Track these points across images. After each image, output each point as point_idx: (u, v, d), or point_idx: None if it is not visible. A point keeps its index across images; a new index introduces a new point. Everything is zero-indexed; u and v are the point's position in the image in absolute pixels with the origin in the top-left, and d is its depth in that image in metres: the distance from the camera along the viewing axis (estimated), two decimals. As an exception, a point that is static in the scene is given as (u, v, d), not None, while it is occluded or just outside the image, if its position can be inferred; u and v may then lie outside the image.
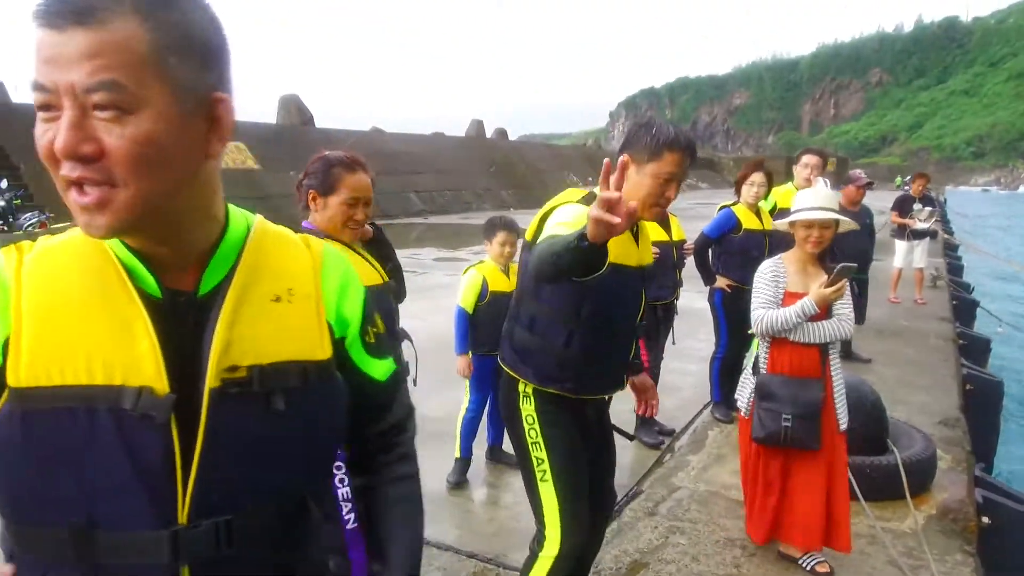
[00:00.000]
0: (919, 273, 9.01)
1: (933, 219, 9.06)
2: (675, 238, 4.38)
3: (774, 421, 2.79)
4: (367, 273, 2.12)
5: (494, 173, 30.90)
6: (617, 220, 1.37)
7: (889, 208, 9.43)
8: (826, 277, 2.84)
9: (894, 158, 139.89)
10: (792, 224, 2.93)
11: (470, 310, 3.63)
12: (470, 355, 3.65)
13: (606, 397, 2.32)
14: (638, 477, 3.88)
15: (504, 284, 3.59)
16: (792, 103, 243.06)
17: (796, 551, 3.00)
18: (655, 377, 4.33)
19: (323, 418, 0.93)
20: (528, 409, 2.17)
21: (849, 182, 6.16)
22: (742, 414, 3.03)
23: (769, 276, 2.94)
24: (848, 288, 2.92)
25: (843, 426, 2.88)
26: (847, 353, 6.24)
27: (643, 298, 2.22)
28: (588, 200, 2.05)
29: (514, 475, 3.93)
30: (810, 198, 2.94)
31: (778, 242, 4.37)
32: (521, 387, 2.19)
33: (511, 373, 2.22)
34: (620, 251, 2.02)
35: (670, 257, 4.31)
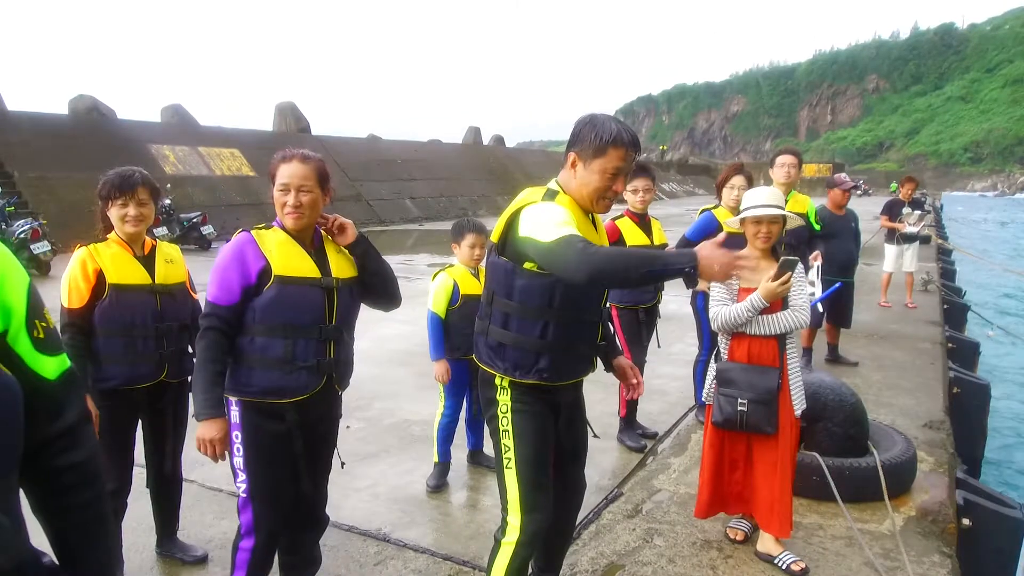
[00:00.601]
0: (909, 277, 9.03)
1: (923, 223, 9.09)
2: (656, 242, 4.40)
3: (731, 406, 2.94)
4: (307, 266, 2.29)
5: (490, 179, 30.92)
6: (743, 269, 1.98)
7: (880, 212, 9.46)
8: (770, 271, 2.95)
9: (891, 164, 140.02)
10: (742, 222, 3.06)
11: (443, 315, 3.63)
12: (446, 360, 3.64)
13: (580, 380, 2.41)
14: (619, 480, 3.88)
15: (475, 287, 3.57)
16: (789, 109, 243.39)
17: (773, 550, 3.02)
18: None
19: None
20: (504, 400, 2.24)
21: (834, 186, 6.18)
22: (706, 400, 3.15)
23: None
24: (803, 277, 3.07)
25: (798, 412, 3.01)
26: (835, 356, 6.27)
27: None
28: (549, 195, 2.19)
29: (494, 478, 3.93)
30: (757, 197, 3.06)
31: None
32: (498, 380, 2.25)
33: (487, 369, 2.27)
34: (589, 238, 2.07)
35: None
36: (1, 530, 0.88)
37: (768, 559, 3.01)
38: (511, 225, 2.18)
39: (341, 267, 2.37)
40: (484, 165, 31.99)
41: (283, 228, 2.31)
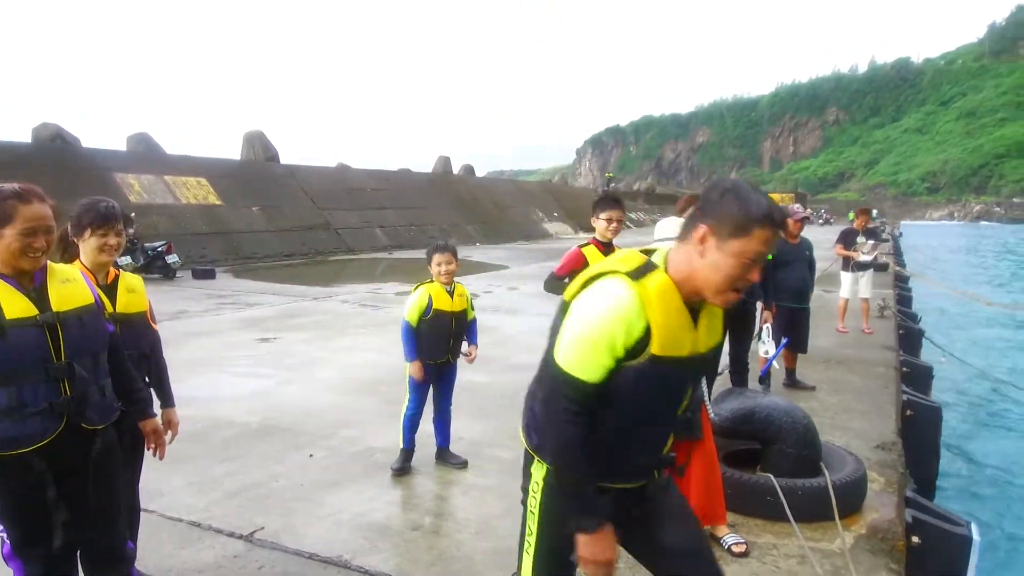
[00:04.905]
0: (864, 303, 9.30)
1: (876, 251, 9.39)
2: None
3: None
4: (21, 305, 2.12)
5: (460, 208, 31.11)
6: None
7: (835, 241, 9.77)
8: None
9: (852, 194, 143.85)
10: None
11: (414, 323, 4.15)
12: (420, 363, 4.17)
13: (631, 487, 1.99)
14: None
15: (447, 304, 4.17)
16: (753, 141, 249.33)
17: (718, 532, 3.38)
18: None
19: None
20: (538, 476, 1.93)
21: (787, 216, 6.39)
22: None
23: None
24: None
25: (712, 416, 3.36)
26: (792, 381, 6.43)
27: (689, 390, 1.92)
28: (640, 272, 1.74)
29: (459, 500, 3.99)
30: (669, 228, 3.43)
31: None
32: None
33: (526, 443, 1.99)
34: (671, 339, 1.72)
35: None
36: None
37: (715, 539, 3.34)
38: (585, 287, 1.84)
39: (66, 298, 2.22)
40: (454, 194, 32.19)
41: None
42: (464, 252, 23.72)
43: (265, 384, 6.41)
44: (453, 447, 4.52)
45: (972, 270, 32.05)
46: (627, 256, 1.81)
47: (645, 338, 1.69)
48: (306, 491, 4.03)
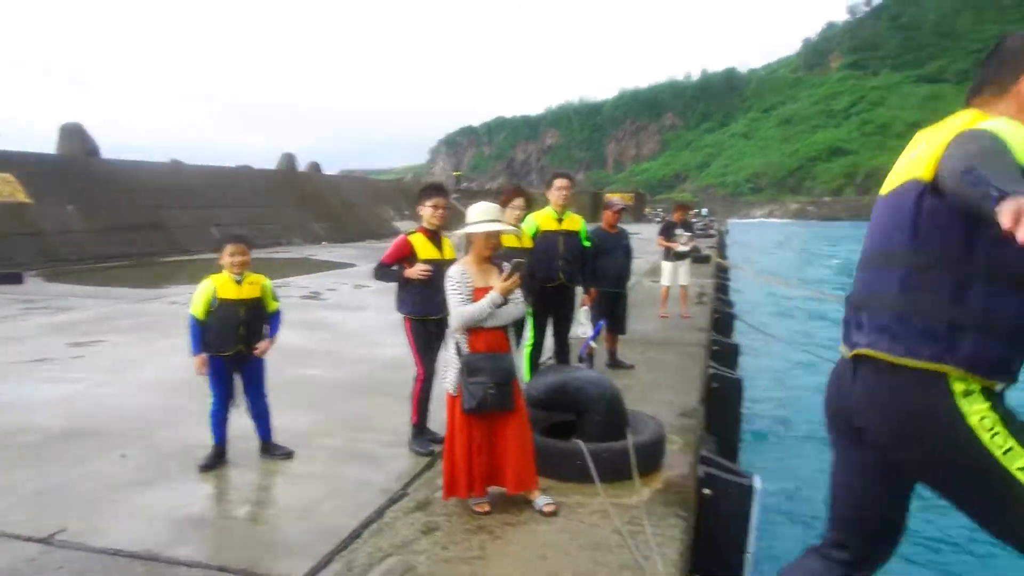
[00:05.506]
0: (683, 290, 10.12)
1: (693, 242, 10.26)
2: (447, 257, 4.62)
3: (481, 391, 3.39)
4: None
5: (305, 207, 30.19)
6: None
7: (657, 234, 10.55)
8: (499, 273, 3.54)
9: (686, 194, 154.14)
10: (471, 235, 3.61)
11: (200, 316, 4.13)
12: (204, 356, 4.12)
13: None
14: (404, 482, 4.06)
15: (234, 292, 4.16)
16: (598, 143, 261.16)
17: (531, 495, 3.63)
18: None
19: None
20: (978, 409, 1.82)
21: (607, 208, 6.88)
22: (450, 392, 3.54)
23: (458, 278, 3.55)
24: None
25: (523, 388, 3.64)
26: (614, 361, 6.91)
27: None
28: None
29: (283, 488, 3.99)
30: (481, 213, 3.61)
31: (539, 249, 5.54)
32: (954, 384, 1.84)
33: (926, 365, 1.85)
34: None
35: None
36: None
37: (528, 502, 3.64)
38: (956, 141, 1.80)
39: None
40: (299, 192, 31.17)
41: None
42: (309, 251, 23.10)
43: (76, 388, 5.97)
44: (282, 440, 4.48)
45: (784, 262, 35.53)
46: (971, 114, 1.92)
47: None
48: (115, 491, 3.85)
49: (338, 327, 9.05)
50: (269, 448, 4.43)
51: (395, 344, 5.88)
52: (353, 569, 3.08)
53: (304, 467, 4.27)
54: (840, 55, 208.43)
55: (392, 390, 5.58)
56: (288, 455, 4.39)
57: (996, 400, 1.86)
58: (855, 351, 2.05)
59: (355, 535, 3.36)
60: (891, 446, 1.99)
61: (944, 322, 1.80)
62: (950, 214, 1.78)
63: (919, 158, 1.93)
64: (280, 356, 7.01)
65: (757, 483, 4.55)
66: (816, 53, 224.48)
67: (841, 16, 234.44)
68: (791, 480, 7.10)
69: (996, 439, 1.78)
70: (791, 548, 5.48)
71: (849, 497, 2.25)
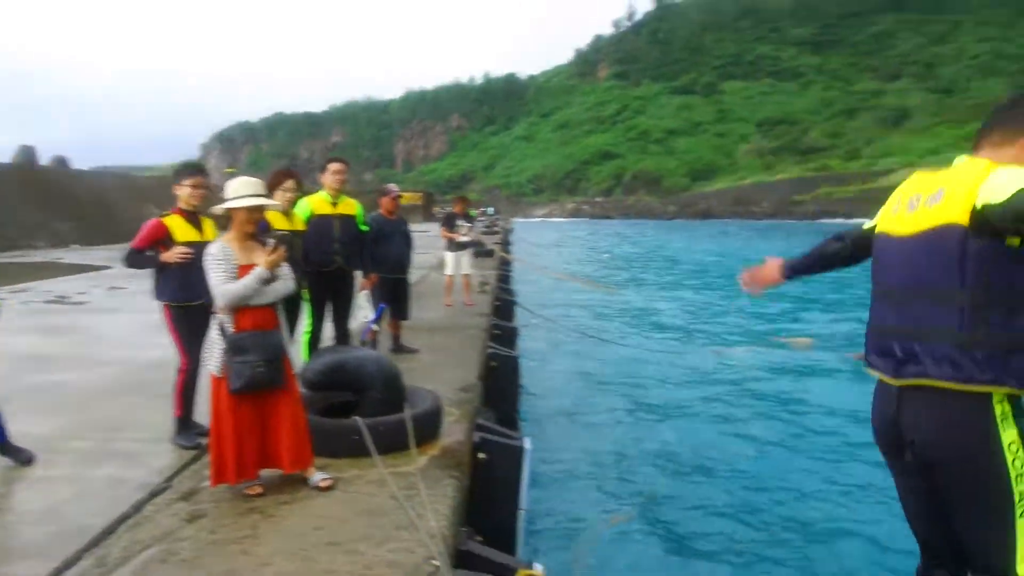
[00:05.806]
0: (466, 279, 10.48)
1: (473, 233, 10.66)
2: (209, 238, 4.40)
3: (249, 369, 3.26)
4: None
5: (48, 206, 26.68)
6: None
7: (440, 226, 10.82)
8: (262, 248, 3.42)
9: (474, 194, 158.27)
10: (235, 210, 3.43)
11: None
12: None
13: None
14: (167, 476, 3.82)
15: None
16: (387, 143, 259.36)
17: (308, 473, 3.57)
18: None
19: None
20: (1010, 434, 2.05)
21: (384, 194, 6.96)
22: (215, 374, 3.38)
23: (220, 256, 3.36)
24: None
25: (296, 369, 3.58)
26: (398, 346, 7.00)
27: None
28: None
29: (23, 494, 3.59)
30: (242, 187, 3.45)
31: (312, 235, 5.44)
32: (996, 407, 2.06)
33: (978, 388, 2.06)
34: None
35: None
36: None
37: (304, 481, 3.57)
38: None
39: None
40: (40, 190, 27.46)
41: None
42: (56, 254, 20.42)
43: None
44: (24, 444, 4.00)
45: (561, 256, 37.99)
46: (987, 164, 2.11)
47: None
48: None
49: (91, 331, 8.18)
50: (6, 450, 3.93)
51: (158, 345, 5.49)
52: (106, 564, 2.87)
53: (47, 471, 3.86)
54: (607, 66, 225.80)
55: (155, 390, 5.18)
56: (29, 460, 3.93)
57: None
58: (916, 380, 2.22)
59: (109, 531, 3.12)
60: (933, 445, 2.23)
61: (1002, 348, 2.07)
62: (995, 253, 2.07)
63: (948, 204, 2.15)
64: (15, 363, 6.25)
65: (527, 444, 4.90)
66: (587, 63, 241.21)
67: (607, 29, 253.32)
68: (566, 443, 7.68)
69: (1016, 463, 2.08)
70: (562, 506, 5.98)
71: (920, 520, 2.44)
